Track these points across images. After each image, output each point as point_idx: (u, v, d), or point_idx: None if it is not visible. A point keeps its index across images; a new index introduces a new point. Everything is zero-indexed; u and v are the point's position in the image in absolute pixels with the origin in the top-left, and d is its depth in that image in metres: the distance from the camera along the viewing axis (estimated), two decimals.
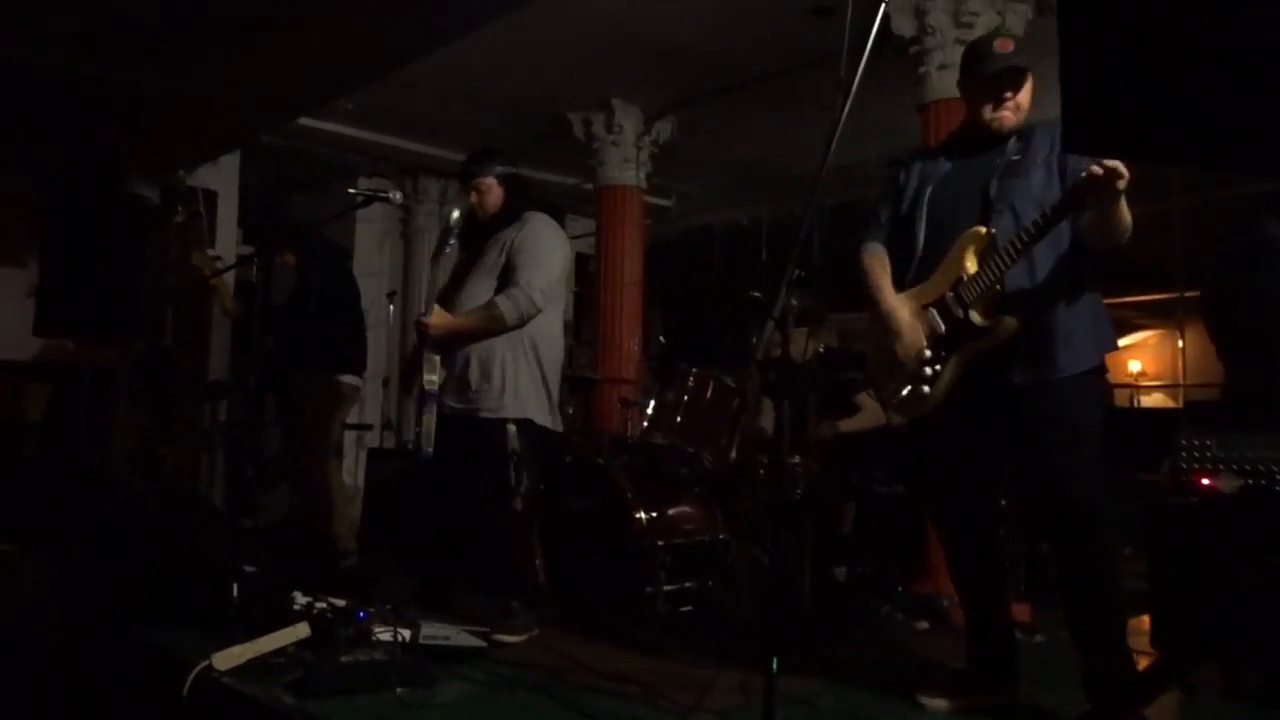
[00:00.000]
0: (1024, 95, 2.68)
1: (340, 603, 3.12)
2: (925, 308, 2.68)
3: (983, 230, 2.58)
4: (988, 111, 2.68)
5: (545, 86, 5.91)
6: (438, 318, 3.58)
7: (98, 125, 6.53)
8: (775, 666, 1.87)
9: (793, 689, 2.68)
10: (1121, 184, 2.28)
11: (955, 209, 2.69)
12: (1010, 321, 2.53)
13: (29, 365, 8.07)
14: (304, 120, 6.32)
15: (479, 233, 3.81)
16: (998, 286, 2.54)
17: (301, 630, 2.87)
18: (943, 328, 2.62)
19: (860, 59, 2.10)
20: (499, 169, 3.77)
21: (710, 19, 5.00)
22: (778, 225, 7.31)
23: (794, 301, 2.02)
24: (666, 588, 3.85)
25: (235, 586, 3.15)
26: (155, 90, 6.08)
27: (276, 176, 7.54)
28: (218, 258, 5.12)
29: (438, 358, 3.62)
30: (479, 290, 3.67)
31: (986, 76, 2.66)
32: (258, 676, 2.68)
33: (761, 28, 5.04)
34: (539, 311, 3.61)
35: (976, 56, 2.71)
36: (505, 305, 3.56)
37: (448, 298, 3.77)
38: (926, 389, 2.66)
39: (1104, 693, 2.49)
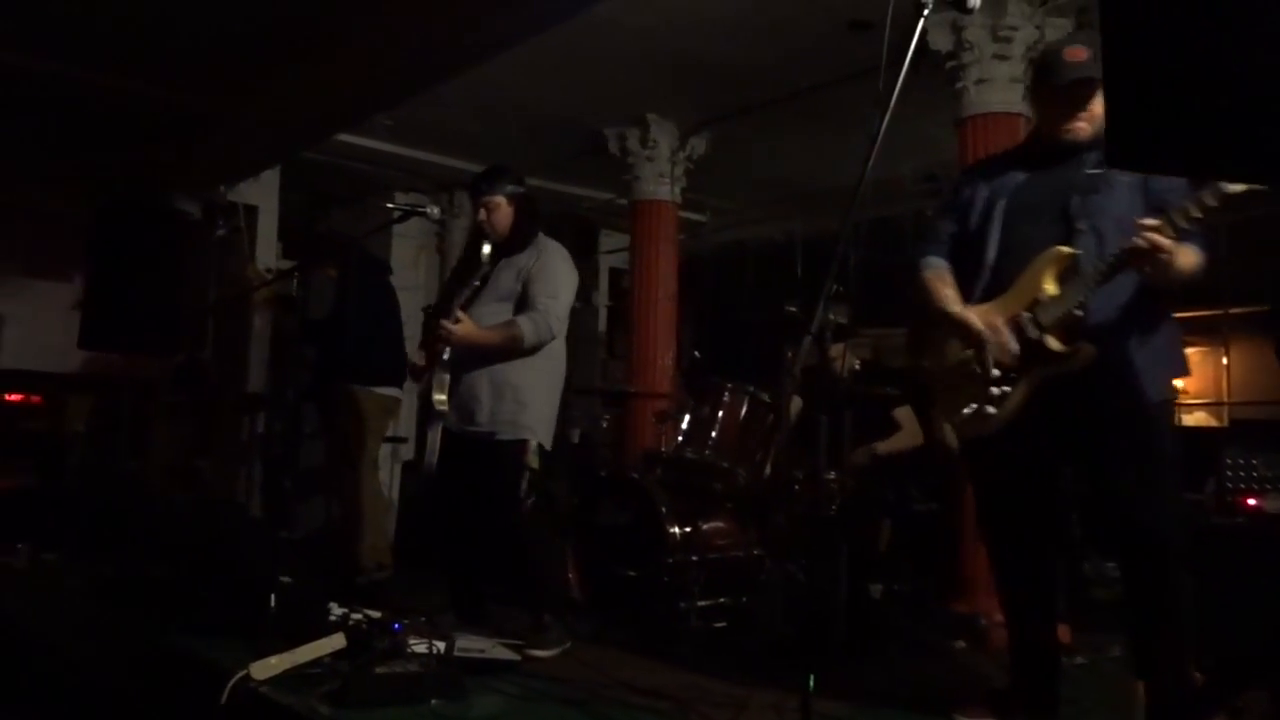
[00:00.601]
0: (1097, 105, 2.55)
1: (375, 614, 3.15)
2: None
3: (1065, 250, 2.49)
4: (1060, 123, 2.59)
5: (581, 102, 5.95)
6: (463, 326, 3.55)
7: (143, 143, 6.66)
8: (811, 684, 1.86)
9: (828, 708, 2.65)
10: (1164, 256, 2.26)
11: (1032, 224, 2.60)
12: (1089, 349, 2.44)
13: (72, 377, 8.23)
14: (343, 136, 6.39)
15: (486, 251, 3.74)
16: (1078, 312, 2.46)
17: (337, 641, 2.89)
18: (1016, 348, 2.53)
19: (897, 73, 2.10)
20: (510, 188, 3.72)
21: (746, 34, 5.01)
22: (812, 240, 7.29)
23: (832, 316, 2.01)
24: (700, 603, 3.84)
25: (272, 597, 3.18)
26: (199, 109, 6.20)
27: (315, 191, 7.65)
28: (269, 269, 5.17)
29: (447, 377, 3.61)
30: (490, 313, 3.65)
31: (1056, 88, 2.57)
32: (294, 686, 2.70)
33: (797, 43, 5.04)
34: (554, 339, 3.63)
35: (1046, 66, 2.61)
36: (527, 326, 3.55)
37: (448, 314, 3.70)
38: (992, 409, 2.56)
39: (1170, 708, 2.45)
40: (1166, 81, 1.18)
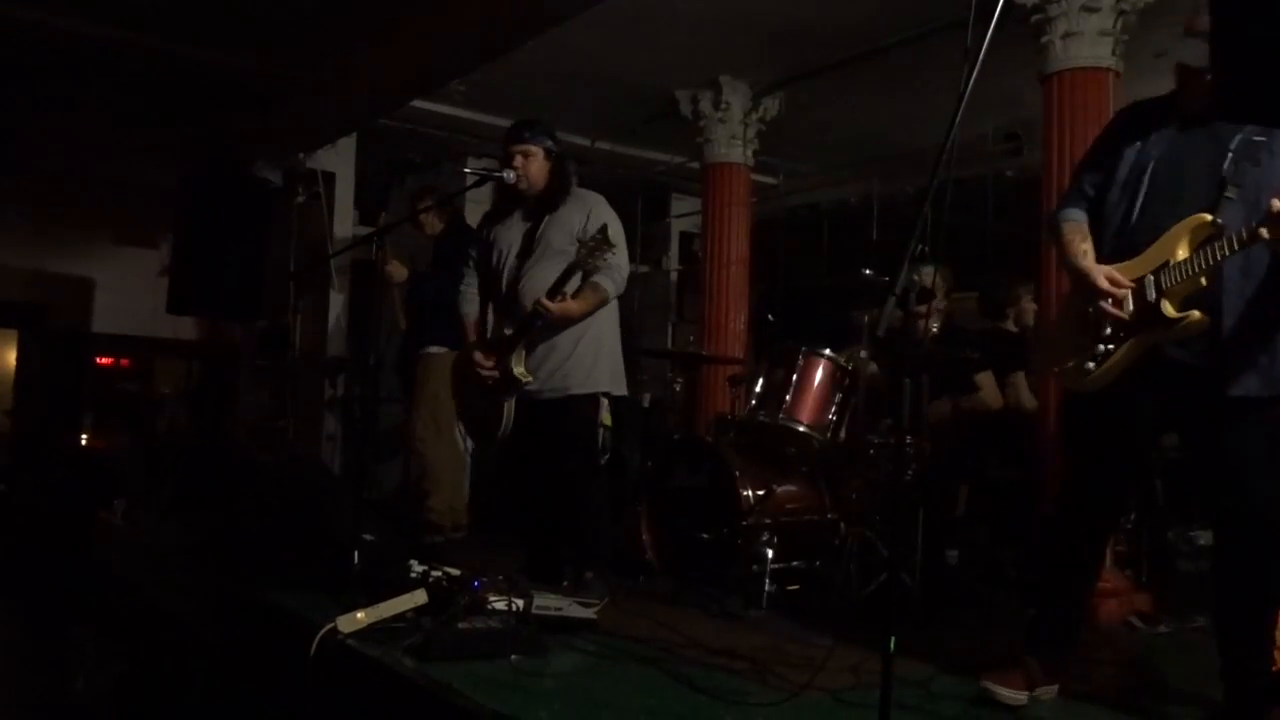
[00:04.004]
0: None
1: (455, 572, 3.22)
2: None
3: (1206, 218, 2.38)
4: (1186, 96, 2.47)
5: (654, 65, 5.90)
6: (561, 305, 3.57)
7: (225, 113, 6.81)
8: (892, 646, 1.85)
9: (905, 671, 2.65)
10: None
11: (1179, 186, 2.48)
12: (1197, 317, 2.35)
13: (160, 342, 8.52)
14: (417, 102, 6.45)
15: (518, 204, 3.78)
16: (1202, 280, 2.35)
17: (419, 597, 2.96)
18: (1131, 308, 2.46)
19: (983, 29, 2.03)
20: (549, 143, 3.76)
21: None
22: (888, 203, 7.16)
23: (916, 277, 1.97)
24: (773, 566, 3.85)
25: (356, 554, 3.27)
26: (280, 78, 6.31)
27: (390, 158, 7.74)
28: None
29: (524, 352, 3.66)
30: (544, 273, 3.65)
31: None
32: (379, 640, 2.78)
33: (874, 0, 4.93)
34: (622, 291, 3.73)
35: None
36: (610, 286, 3.64)
37: (499, 273, 3.77)
38: (1091, 365, 2.52)
39: (1248, 685, 2.40)
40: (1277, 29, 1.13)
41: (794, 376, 4.16)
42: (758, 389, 4.28)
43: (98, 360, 8.84)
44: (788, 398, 4.15)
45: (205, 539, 4.14)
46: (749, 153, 6.33)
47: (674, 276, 8.91)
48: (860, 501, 4.15)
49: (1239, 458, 2.40)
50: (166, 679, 3.96)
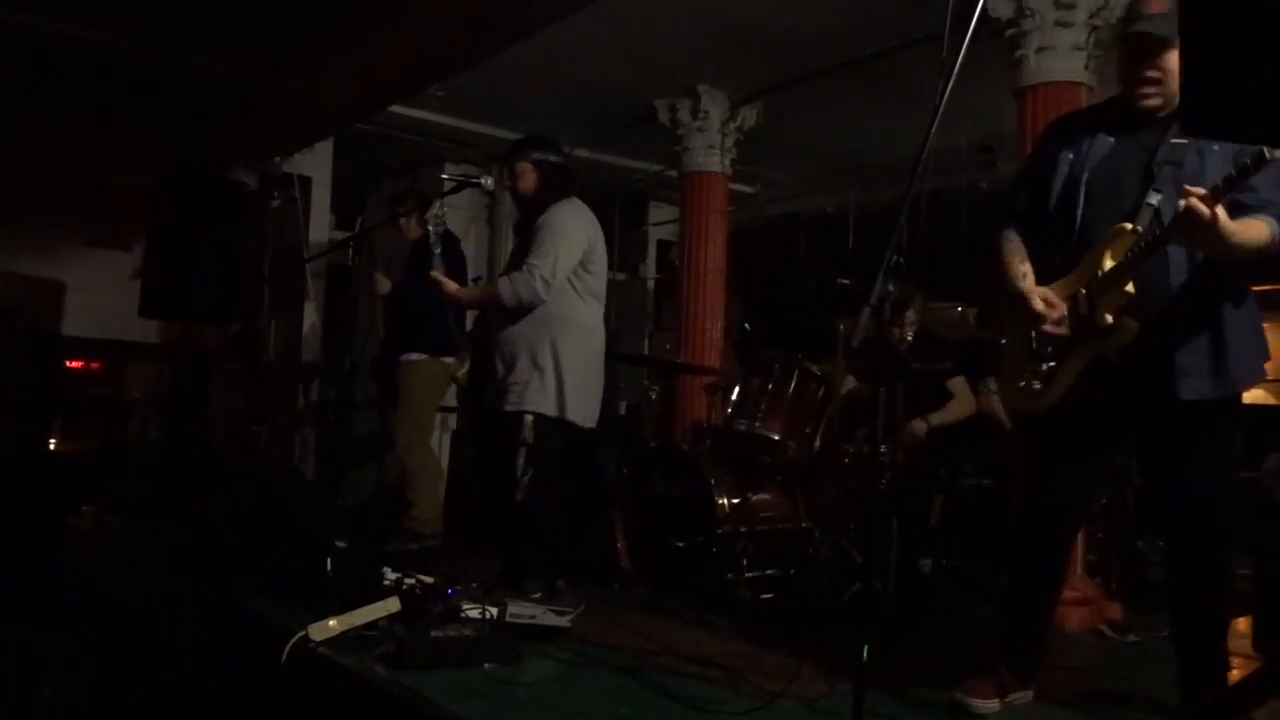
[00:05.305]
0: (1169, 69, 2.43)
1: (429, 579, 3.20)
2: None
3: (1127, 227, 2.40)
4: (1131, 88, 2.48)
5: (633, 73, 5.91)
6: (447, 285, 3.84)
7: (201, 116, 6.76)
8: (865, 655, 1.86)
9: (878, 679, 2.65)
10: (1202, 225, 2.15)
11: (1115, 193, 2.49)
12: (1130, 324, 2.38)
13: (132, 345, 8.43)
14: (395, 107, 6.43)
15: (525, 220, 3.89)
16: (1128, 287, 2.37)
17: (392, 605, 2.95)
18: (1067, 325, 2.48)
19: (958, 41, 2.06)
20: (535, 155, 3.80)
21: (801, 2, 4.94)
22: (865, 212, 7.21)
23: (890, 288, 1.99)
24: (748, 575, 3.85)
25: (329, 561, 3.25)
26: (256, 82, 6.27)
27: (367, 162, 7.71)
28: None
29: (467, 355, 3.80)
30: None
31: (1123, 41, 2.50)
32: (351, 648, 2.77)
33: (853, 11, 4.95)
34: (542, 299, 3.63)
35: (1124, 22, 2.60)
36: (504, 287, 3.67)
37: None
38: (1038, 385, 2.53)
39: (1204, 693, 2.43)
40: (1248, 45, 1.15)
41: (770, 385, 4.17)
42: (734, 397, 4.28)
43: (68, 364, 8.71)
44: (763, 406, 4.15)
45: (176, 545, 4.10)
46: (727, 162, 6.35)
47: (651, 284, 8.92)
48: (835, 510, 4.17)
49: (1191, 466, 2.43)
50: (136, 686, 3.91)
